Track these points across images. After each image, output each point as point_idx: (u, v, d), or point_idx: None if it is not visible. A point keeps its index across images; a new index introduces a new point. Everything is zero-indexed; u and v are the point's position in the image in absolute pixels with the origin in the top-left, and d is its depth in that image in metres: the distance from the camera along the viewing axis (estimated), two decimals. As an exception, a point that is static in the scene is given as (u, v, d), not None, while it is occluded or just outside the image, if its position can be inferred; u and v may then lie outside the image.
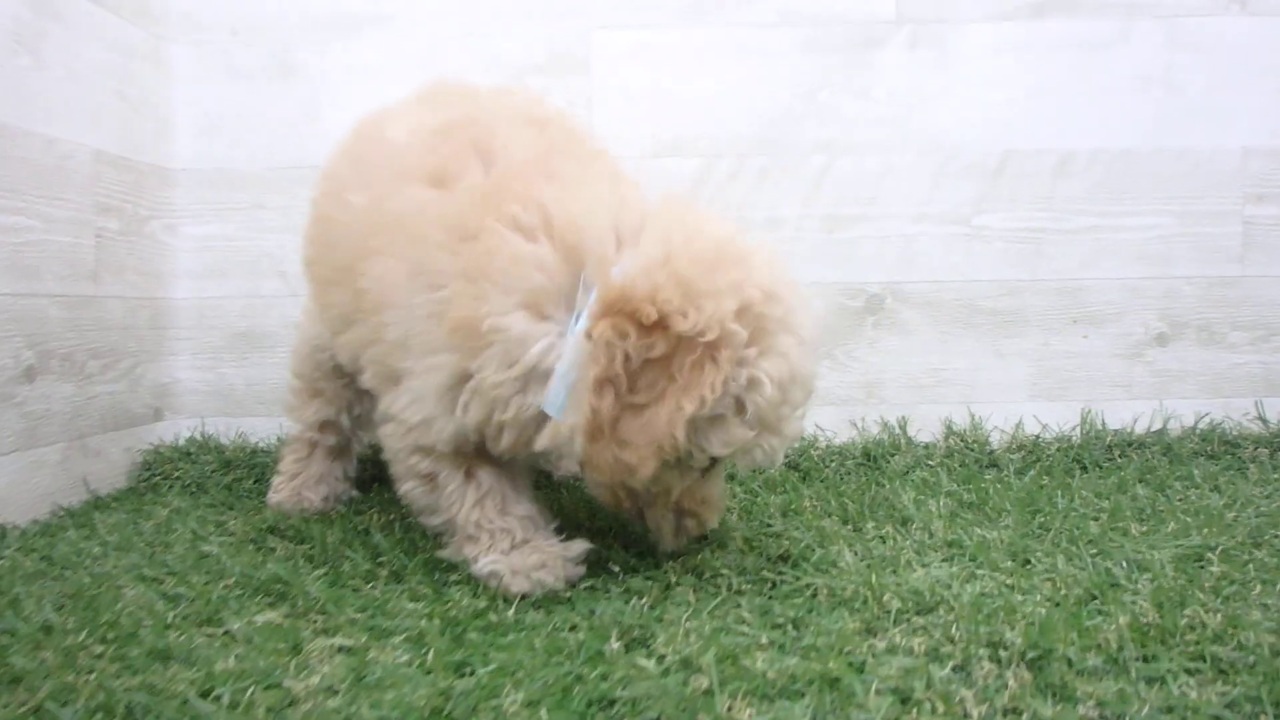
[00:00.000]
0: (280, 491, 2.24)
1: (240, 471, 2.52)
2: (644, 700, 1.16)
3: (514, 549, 1.63)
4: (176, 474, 2.52)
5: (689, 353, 1.42)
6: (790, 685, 1.20)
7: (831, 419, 2.71)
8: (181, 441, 2.67)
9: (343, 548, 1.83)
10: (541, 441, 1.52)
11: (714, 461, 1.59)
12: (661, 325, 1.42)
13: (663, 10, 2.71)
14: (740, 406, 1.49)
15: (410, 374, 1.61)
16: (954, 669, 1.24)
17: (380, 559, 1.76)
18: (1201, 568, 1.63)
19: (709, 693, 1.17)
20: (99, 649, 1.37)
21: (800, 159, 2.70)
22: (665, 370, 1.43)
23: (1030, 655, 1.26)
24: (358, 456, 2.32)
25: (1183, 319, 2.70)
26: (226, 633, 1.43)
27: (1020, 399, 2.70)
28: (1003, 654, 1.28)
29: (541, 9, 2.72)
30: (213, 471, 2.52)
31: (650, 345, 1.42)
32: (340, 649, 1.36)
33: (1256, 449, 2.53)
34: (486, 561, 1.62)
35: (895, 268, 2.71)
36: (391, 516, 2.06)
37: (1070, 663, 1.25)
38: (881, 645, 1.32)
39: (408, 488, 1.71)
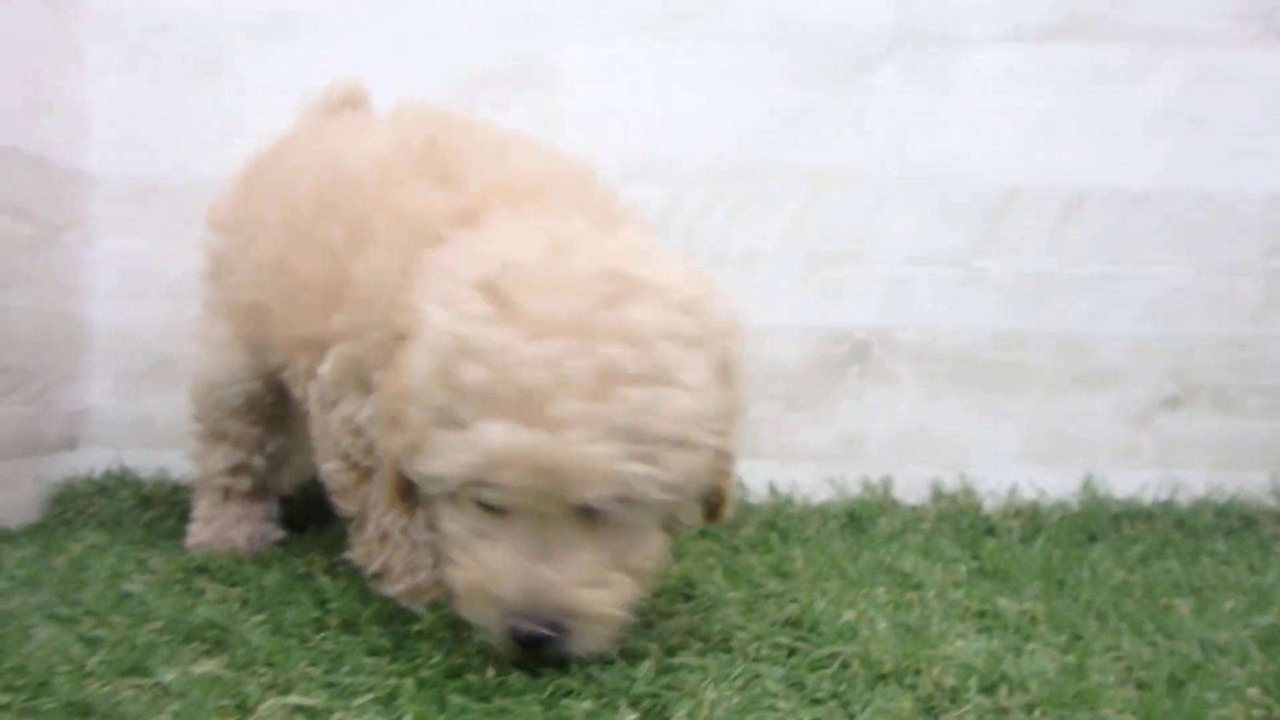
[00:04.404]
0: (198, 535, 2.01)
1: (161, 509, 2.28)
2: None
3: None
4: (91, 510, 2.28)
5: None
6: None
7: (808, 476, 2.47)
8: (97, 475, 2.42)
9: (283, 592, 1.60)
10: None
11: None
12: None
13: (635, 20, 2.48)
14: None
15: None
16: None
17: (328, 606, 1.52)
18: (1290, 650, 1.43)
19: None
20: (4, 698, 1.14)
21: (783, 189, 2.47)
22: None
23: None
24: (284, 496, 2.12)
25: (1196, 381, 2.49)
26: (158, 684, 1.19)
27: (1015, 462, 2.48)
28: (1114, 743, 1.05)
29: (502, 14, 2.49)
30: (131, 507, 2.28)
31: None
32: (297, 709, 1.12)
33: (1278, 526, 2.32)
34: None
35: (885, 312, 2.48)
36: (334, 560, 1.81)
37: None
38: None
39: None
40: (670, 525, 1.36)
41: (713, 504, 1.36)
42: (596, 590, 1.22)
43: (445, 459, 1.20)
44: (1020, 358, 2.48)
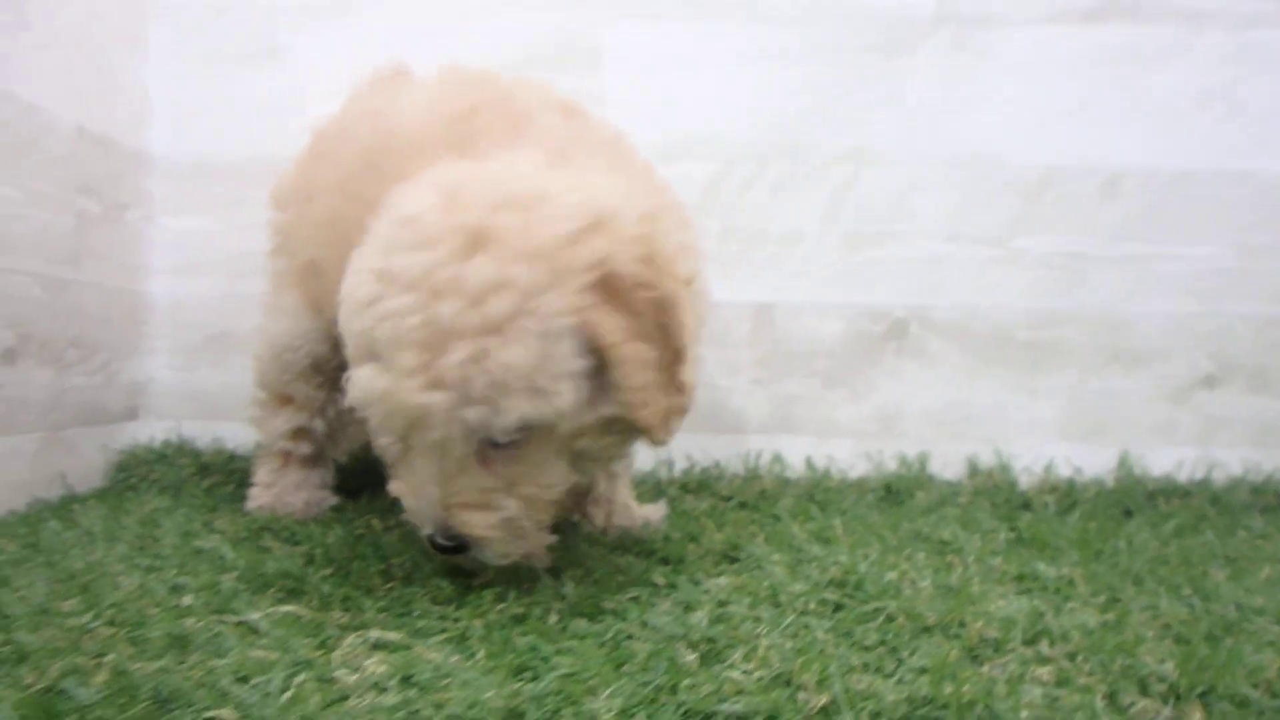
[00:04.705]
0: (259, 499, 2.08)
1: (219, 476, 2.35)
2: (754, 716, 0.99)
3: None
4: (153, 476, 2.35)
5: None
6: (917, 710, 1.02)
7: (845, 451, 2.51)
8: (157, 444, 2.50)
9: (346, 549, 1.65)
10: None
11: None
12: None
13: (676, 0, 2.51)
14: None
15: None
16: (1105, 699, 1.08)
17: (390, 561, 1.57)
18: (1324, 611, 1.47)
19: (830, 711, 0.98)
20: (109, 630, 1.21)
21: (823, 168, 2.50)
22: None
23: (1197, 690, 1.10)
24: (338, 465, 2.18)
25: (1234, 361, 2.50)
26: (244, 623, 1.26)
27: (1051, 439, 2.50)
28: (1157, 688, 1.11)
29: (547, -6, 2.53)
30: (190, 475, 2.35)
31: None
32: (377, 645, 1.19)
33: (1314, 505, 2.33)
34: None
35: (923, 290, 2.51)
36: (392, 522, 1.87)
37: (1244, 702, 1.08)
38: (998, 674, 1.14)
39: None
40: (586, 458, 1.45)
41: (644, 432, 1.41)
42: (478, 512, 1.35)
43: (348, 394, 1.34)
44: (1057, 336, 2.50)
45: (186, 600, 1.34)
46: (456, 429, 1.28)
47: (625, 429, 1.41)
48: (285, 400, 2.06)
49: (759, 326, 2.49)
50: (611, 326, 1.31)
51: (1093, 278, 2.49)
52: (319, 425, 2.06)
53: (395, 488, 1.42)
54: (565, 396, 1.30)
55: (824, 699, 1.00)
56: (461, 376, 1.24)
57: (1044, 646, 1.23)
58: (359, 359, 1.33)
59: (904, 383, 2.52)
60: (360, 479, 2.17)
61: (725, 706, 1.00)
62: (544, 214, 1.31)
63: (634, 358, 1.32)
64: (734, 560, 1.65)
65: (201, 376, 2.57)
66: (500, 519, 1.36)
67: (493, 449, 1.33)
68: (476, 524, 1.35)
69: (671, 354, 1.36)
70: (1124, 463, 2.47)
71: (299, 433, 2.07)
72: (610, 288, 1.31)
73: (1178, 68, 2.47)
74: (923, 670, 1.12)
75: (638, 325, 1.33)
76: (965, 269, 2.50)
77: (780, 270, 2.49)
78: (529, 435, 1.33)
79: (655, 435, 1.38)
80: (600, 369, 1.32)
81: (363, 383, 1.30)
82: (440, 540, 1.37)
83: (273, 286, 2.08)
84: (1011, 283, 2.50)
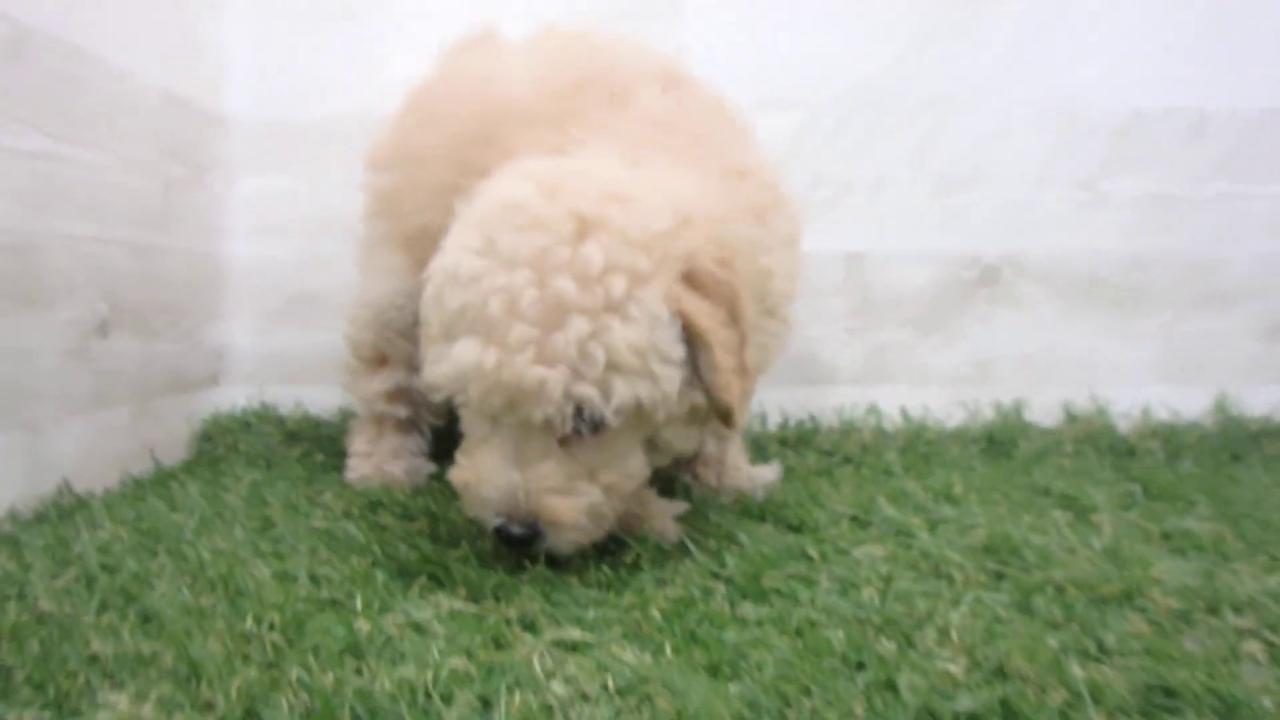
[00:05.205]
0: (359, 469, 2.06)
1: (307, 444, 2.32)
2: (989, 715, 0.95)
3: None
4: (240, 445, 2.32)
5: None
6: (1154, 701, 0.98)
7: (939, 399, 2.48)
8: (239, 410, 2.47)
9: (468, 525, 1.60)
10: None
11: None
12: None
13: (761, -52, 2.46)
14: None
15: None
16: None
17: None
18: None
19: (1070, 707, 0.96)
20: (270, 637, 1.15)
21: (910, 115, 2.46)
22: None
23: None
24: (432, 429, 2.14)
25: (1324, 298, 2.47)
26: (410, 622, 1.22)
27: (1145, 381, 2.47)
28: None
29: (628, -54, 2.47)
30: (278, 444, 2.33)
31: None
32: (556, 644, 1.15)
33: None
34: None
35: (1012, 236, 2.47)
36: None
37: None
38: (1197, 649, 1.10)
39: None
40: (662, 450, 1.48)
41: (722, 414, 1.41)
42: (563, 498, 1.37)
43: (433, 370, 1.38)
44: (1148, 278, 2.47)
45: (326, 593, 1.31)
46: (566, 407, 1.30)
47: (703, 419, 1.44)
48: (381, 360, 2.05)
49: (850, 276, 2.46)
50: (705, 313, 1.34)
51: (1182, 219, 2.46)
52: (416, 384, 2.02)
53: (460, 475, 1.45)
54: (671, 381, 1.34)
55: (1061, 695, 0.97)
56: (579, 352, 1.28)
57: (1232, 616, 1.19)
58: (449, 335, 1.36)
59: (996, 329, 2.49)
60: (452, 444, 2.14)
61: (955, 705, 0.96)
62: (642, 208, 1.34)
63: (725, 343, 1.36)
64: (866, 525, 1.62)
65: (282, 339, 2.54)
66: (586, 504, 1.39)
67: (577, 436, 1.37)
68: (562, 509, 1.37)
69: (741, 339, 1.39)
70: (1220, 405, 2.44)
71: (396, 393, 2.06)
72: (696, 279, 1.36)
73: (1262, 6, 2.43)
74: (1133, 653, 1.08)
75: (721, 313, 1.37)
76: (1054, 213, 2.46)
77: (869, 219, 2.45)
78: (619, 423, 1.35)
79: (735, 418, 1.40)
80: (689, 358, 1.36)
81: (463, 357, 1.32)
82: (515, 530, 1.37)
83: (369, 247, 2.07)
84: (1101, 226, 2.46)
